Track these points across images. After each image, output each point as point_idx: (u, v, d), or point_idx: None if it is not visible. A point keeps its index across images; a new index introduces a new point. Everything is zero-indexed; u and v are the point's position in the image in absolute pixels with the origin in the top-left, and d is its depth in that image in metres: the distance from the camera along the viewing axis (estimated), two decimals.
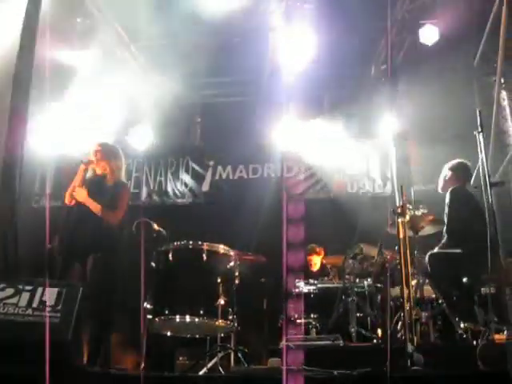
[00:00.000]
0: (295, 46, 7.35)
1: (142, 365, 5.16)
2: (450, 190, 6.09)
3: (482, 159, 5.12)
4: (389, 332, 5.26)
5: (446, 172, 6.30)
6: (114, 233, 5.74)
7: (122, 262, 5.83)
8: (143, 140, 9.32)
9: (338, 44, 7.71)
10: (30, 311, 4.31)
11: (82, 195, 5.77)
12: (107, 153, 6.05)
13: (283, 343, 5.26)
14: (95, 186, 5.91)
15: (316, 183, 9.47)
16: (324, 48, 7.53)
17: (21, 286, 4.44)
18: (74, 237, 5.66)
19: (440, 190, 6.34)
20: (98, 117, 8.97)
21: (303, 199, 8.90)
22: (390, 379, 3.48)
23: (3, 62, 6.27)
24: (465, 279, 5.55)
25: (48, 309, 4.30)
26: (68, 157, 8.12)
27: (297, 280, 6.70)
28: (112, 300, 5.70)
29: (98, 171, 6.00)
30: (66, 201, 5.91)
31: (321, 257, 8.04)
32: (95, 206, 5.73)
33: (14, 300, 4.36)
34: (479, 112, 5.25)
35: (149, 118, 9.31)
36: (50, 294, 4.39)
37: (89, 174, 6.05)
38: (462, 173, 6.17)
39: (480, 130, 5.15)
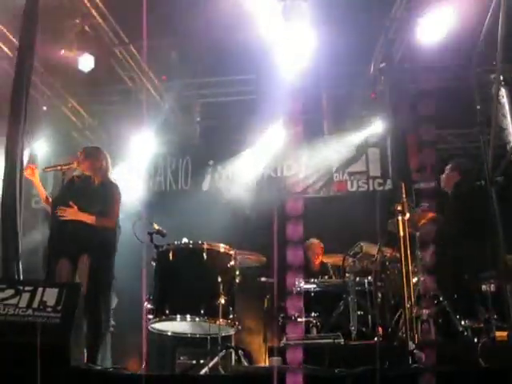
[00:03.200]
0: (294, 44, 7.35)
1: (143, 364, 5.16)
2: (453, 184, 6.10)
3: (483, 156, 5.13)
4: (389, 330, 5.25)
5: (448, 170, 6.33)
6: (108, 233, 5.73)
7: (119, 261, 5.82)
8: (143, 140, 9.31)
9: (336, 41, 7.67)
10: (30, 312, 4.30)
11: (71, 213, 5.71)
12: (89, 153, 6.05)
13: (283, 342, 5.27)
14: (81, 188, 5.90)
15: (316, 182, 9.46)
16: (323, 46, 7.51)
17: (21, 287, 4.43)
18: (65, 233, 5.64)
19: (443, 187, 6.36)
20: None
21: (303, 198, 8.91)
22: (390, 377, 3.47)
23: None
24: (466, 276, 5.55)
25: (48, 309, 4.29)
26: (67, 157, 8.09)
27: (297, 279, 6.70)
28: (110, 299, 5.70)
29: (82, 172, 5.99)
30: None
31: (321, 252, 8.03)
32: (88, 218, 5.69)
33: (14, 301, 4.35)
34: (479, 109, 5.26)
35: (148, 117, 9.31)
36: (51, 295, 4.39)
37: (75, 176, 6.04)
38: (464, 171, 6.19)
39: (480, 127, 5.17)
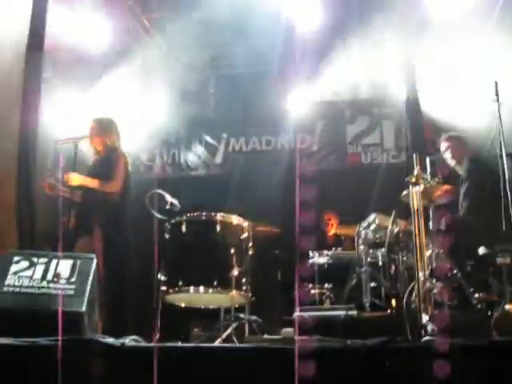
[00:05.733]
0: (303, 13, 7.31)
1: (157, 335, 5.20)
2: (467, 158, 6.05)
3: (498, 128, 5.08)
4: (403, 302, 5.24)
5: (449, 142, 6.29)
6: (116, 204, 5.76)
7: (131, 233, 5.86)
8: (157, 111, 9.29)
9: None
10: (44, 283, 4.35)
11: (75, 179, 5.71)
12: (103, 129, 6.05)
13: (296, 313, 5.28)
14: (93, 166, 5.95)
15: (329, 154, 9.43)
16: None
17: (35, 259, 4.47)
18: (82, 210, 5.70)
19: (452, 161, 6.30)
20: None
21: (316, 170, 8.89)
22: (404, 349, 3.47)
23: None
24: (480, 249, 5.52)
25: (62, 281, 4.33)
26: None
27: (310, 251, 6.71)
28: (124, 272, 5.74)
29: (95, 148, 6.01)
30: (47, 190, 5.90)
31: (335, 223, 8.04)
32: (92, 182, 5.72)
33: (28, 273, 4.40)
34: (496, 82, 5.20)
35: (162, 89, 9.27)
36: (65, 266, 4.43)
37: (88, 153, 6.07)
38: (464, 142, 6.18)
39: (497, 99, 5.11)
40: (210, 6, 7.88)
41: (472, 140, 6.50)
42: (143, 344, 3.99)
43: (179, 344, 4.11)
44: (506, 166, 4.88)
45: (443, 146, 6.47)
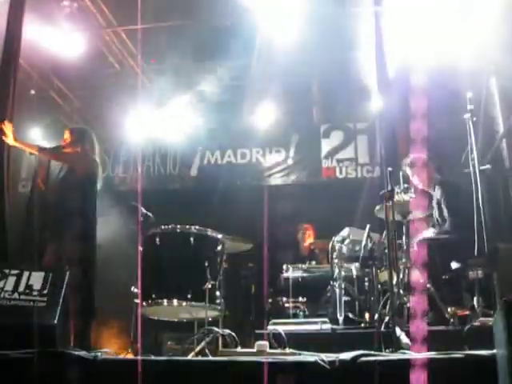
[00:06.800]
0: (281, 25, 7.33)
1: (129, 349, 5.16)
2: (437, 185, 6.04)
3: (471, 144, 5.13)
4: (376, 316, 5.26)
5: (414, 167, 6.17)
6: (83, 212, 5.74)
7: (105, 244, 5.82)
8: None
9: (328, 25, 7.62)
10: (16, 295, 4.29)
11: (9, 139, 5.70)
12: (75, 138, 6.02)
13: (270, 327, 5.27)
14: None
15: (304, 168, 9.47)
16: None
17: (7, 271, 4.42)
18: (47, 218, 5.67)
19: (420, 184, 6.20)
20: None
21: (291, 184, 8.92)
22: (377, 363, 3.48)
23: None
24: (453, 264, 5.57)
25: (34, 293, 4.28)
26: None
27: (284, 264, 6.72)
28: (94, 282, 5.68)
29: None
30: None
31: (310, 235, 8.06)
32: (29, 146, 5.88)
33: (0, 284, 4.34)
34: (469, 98, 5.25)
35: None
36: (37, 278, 4.37)
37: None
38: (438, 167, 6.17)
39: (470, 115, 5.16)
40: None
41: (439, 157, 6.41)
42: (116, 357, 3.95)
43: (152, 357, 4.06)
44: (478, 182, 4.93)
45: (409, 170, 6.27)
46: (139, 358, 3.99)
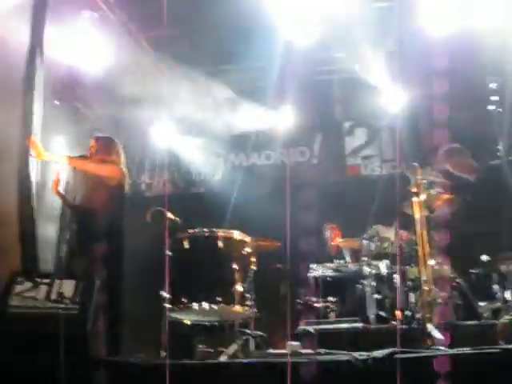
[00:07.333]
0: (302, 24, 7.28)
1: (162, 354, 5.17)
2: (474, 173, 6.01)
3: (497, 136, 5.09)
4: (408, 313, 5.23)
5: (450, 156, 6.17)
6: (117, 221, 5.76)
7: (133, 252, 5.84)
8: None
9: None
10: (48, 304, 4.34)
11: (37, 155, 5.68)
12: (103, 147, 6.04)
13: (301, 327, 5.26)
14: None
15: (329, 166, 9.42)
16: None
17: (38, 280, 4.47)
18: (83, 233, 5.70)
19: (458, 171, 6.19)
20: None
21: (316, 183, 8.88)
22: (410, 360, 3.46)
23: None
24: (483, 257, 5.51)
25: (66, 301, 4.33)
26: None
27: (312, 264, 6.69)
28: (123, 288, 5.71)
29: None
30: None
31: (337, 235, 8.01)
32: (57, 158, 5.91)
33: (32, 293, 4.40)
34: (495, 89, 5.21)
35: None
36: (68, 287, 4.42)
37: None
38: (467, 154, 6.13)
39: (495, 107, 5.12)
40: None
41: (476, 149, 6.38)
42: (149, 361, 3.98)
43: (185, 361, 4.08)
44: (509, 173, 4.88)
45: (444, 158, 6.29)
46: (171, 361, 4.01)
